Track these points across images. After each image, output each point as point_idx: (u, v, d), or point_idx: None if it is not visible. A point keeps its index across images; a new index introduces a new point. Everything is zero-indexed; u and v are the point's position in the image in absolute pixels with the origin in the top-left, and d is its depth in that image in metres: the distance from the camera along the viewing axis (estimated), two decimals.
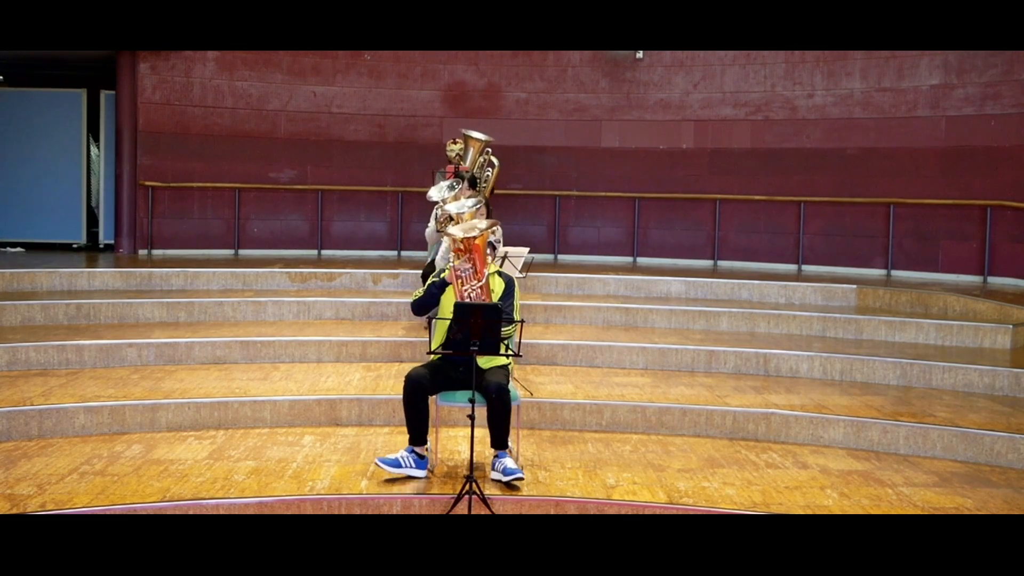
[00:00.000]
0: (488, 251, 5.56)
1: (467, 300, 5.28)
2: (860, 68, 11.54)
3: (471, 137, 8.94)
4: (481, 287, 5.40)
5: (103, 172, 13.10)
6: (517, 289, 5.67)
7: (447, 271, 5.46)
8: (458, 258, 5.43)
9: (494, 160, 9.02)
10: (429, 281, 5.58)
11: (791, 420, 6.39)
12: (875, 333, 8.42)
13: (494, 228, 5.62)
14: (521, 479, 5.25)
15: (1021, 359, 7.54)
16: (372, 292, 9.56)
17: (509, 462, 5.32)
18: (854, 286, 9.60)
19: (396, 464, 5.33)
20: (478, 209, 6.17)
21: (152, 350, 7.42)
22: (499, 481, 5.28)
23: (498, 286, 5.54)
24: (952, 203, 10.90)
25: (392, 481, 5.31)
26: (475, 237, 5.39)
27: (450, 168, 8.78)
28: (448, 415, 6.08)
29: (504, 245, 7.86)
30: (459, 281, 5.38)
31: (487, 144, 8.95)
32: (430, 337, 5.58)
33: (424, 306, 5.55)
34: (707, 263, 12.06)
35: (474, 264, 5.40)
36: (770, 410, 6.48)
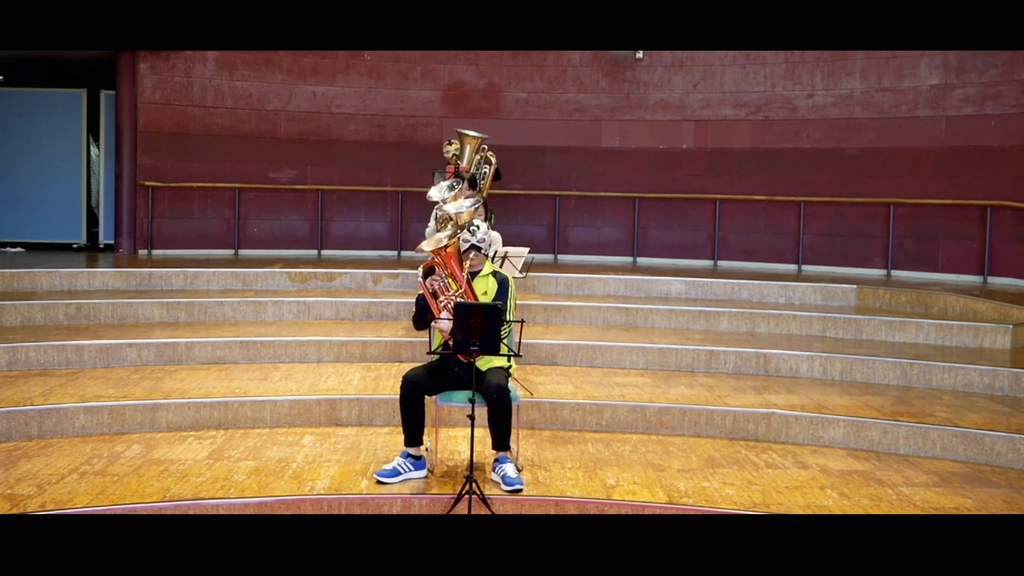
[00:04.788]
0: (473, 252, 5.44)
1: (457, 303, 5.14)
2: (860, 68, 11.54)
3: (466, 135, 8.92)
4: (463, 292, 5.32)
5: (103, 172, 13.10)
6: (513, 288, 5.60)
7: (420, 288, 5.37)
8: (435, 272, 5.34)
9: (491, 157, 9.01)
10: (417, 295, 5.50)
11: (791, 420, 6.39)
12: (875, 333, 8.42)
13: (472, 228, 5.46)
14: (520, 490, 5.20)
15: (1021, 359, 7.54)
16: (372, 292, 9.56)
17: (510, 469, 5.29)
18: (854, 286, 9.60)
19: (395, 473, 5.32)
20: (476, 209, 6.14)
21: (152, 350, 7.42)
22: (499, 485, 5.26)
23: (491, 287, 5.48)
24: (952, 203, 10.90)
25: None
26: (446, 247, 5.29)
27: (450, 168, 8.78)
28: (448, 415, 6.07)
29: (504, 245, 7.85)
30: (436, 300, 5.28)
31: (482, 141, 8.94)
32: (430, 337, 5.58)
33: (420, 321, 5.49)
34: (707, 263, 12.05)
35: (452, 273, 5.34)
36: (770, 410, 6.48)
